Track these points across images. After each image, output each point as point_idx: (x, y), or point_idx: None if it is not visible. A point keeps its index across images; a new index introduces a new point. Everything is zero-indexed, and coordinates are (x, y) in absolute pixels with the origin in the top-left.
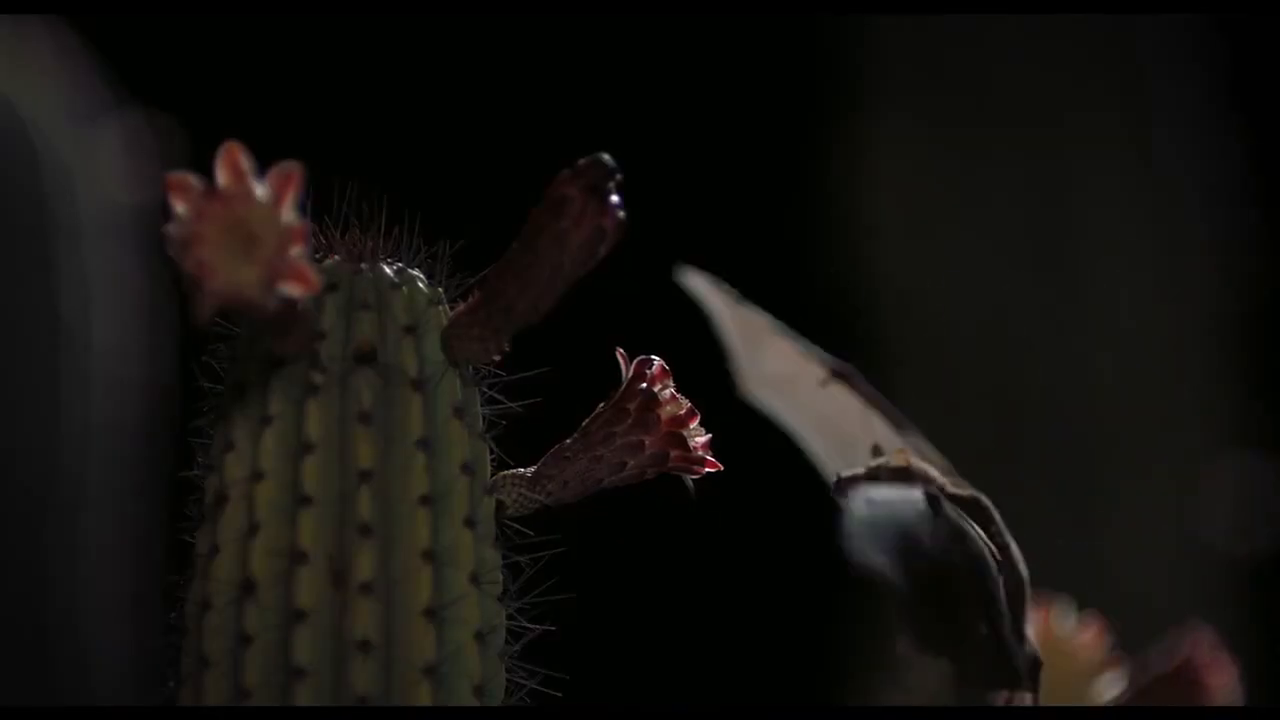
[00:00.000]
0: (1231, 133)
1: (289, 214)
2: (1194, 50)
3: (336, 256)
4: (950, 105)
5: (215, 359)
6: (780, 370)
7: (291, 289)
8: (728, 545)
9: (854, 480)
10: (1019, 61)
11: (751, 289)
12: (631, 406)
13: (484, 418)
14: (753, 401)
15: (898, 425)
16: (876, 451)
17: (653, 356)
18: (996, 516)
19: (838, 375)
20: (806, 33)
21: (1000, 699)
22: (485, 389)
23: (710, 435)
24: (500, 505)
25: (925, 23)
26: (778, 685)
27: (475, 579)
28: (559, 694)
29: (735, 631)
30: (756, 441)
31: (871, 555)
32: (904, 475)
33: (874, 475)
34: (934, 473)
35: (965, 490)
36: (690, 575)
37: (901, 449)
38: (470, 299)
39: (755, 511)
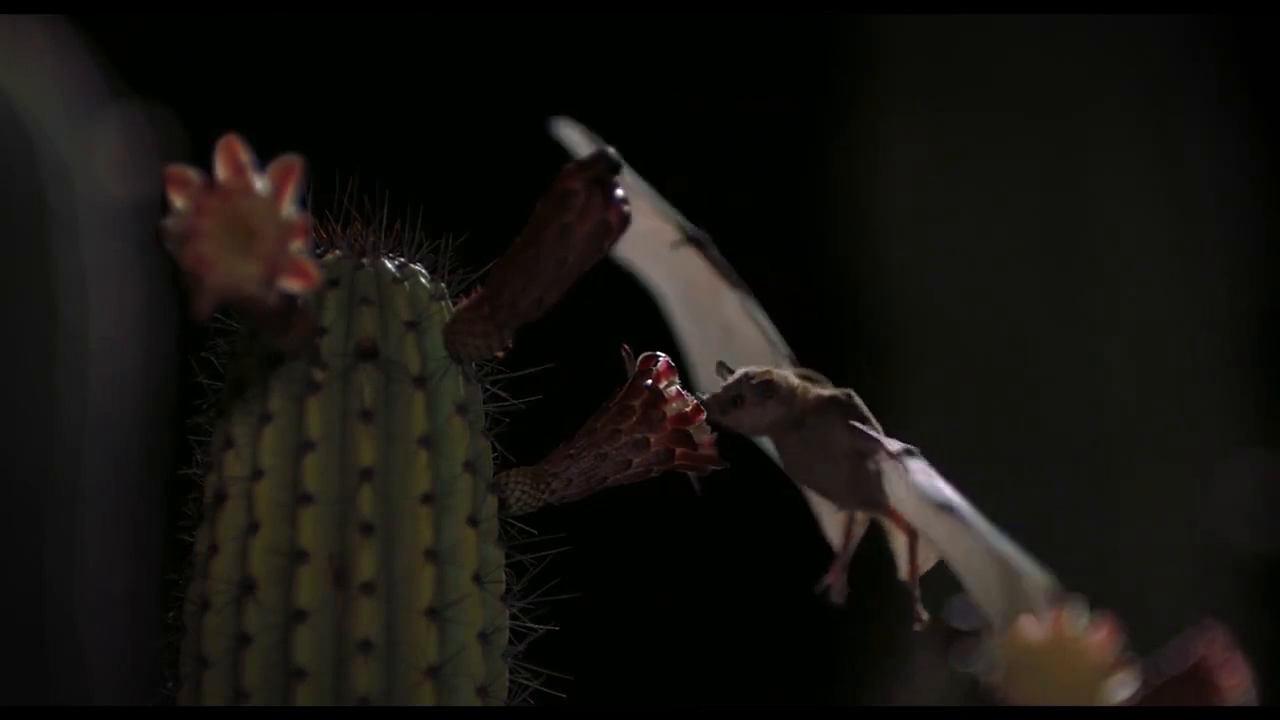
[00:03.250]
0: (1249, 128)
1: (289, 208)
2: (1211, 43)
3: (337, 251)
4: (962, 98)
5: (214, 355)
6: (642, 227)
7: (292, 284)
8: (733, 544)
9: (719, 399)
10: (1033, 54)
11: (761, 281)
12: (636, 404)
13: (487, 415)
14: (620, 261)
15: (744, 296)
16: (725, 331)
17: (658, 353)
18: (862, 408)
19: (692, 241)
20: (818, 24)
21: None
22: (488, 385)
23: (716, 433)
24: (503, 503)
25: (938, 15)
26: (782, 686)
27: (478, 578)
28: (563, 695)
29: (740, 631)
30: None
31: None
32: (767, 389)
33: (737, 392)
34: (794, 380)
35: (829, 390)
36: (696, 575)
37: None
38: (473, 294)
39: (761, 511)
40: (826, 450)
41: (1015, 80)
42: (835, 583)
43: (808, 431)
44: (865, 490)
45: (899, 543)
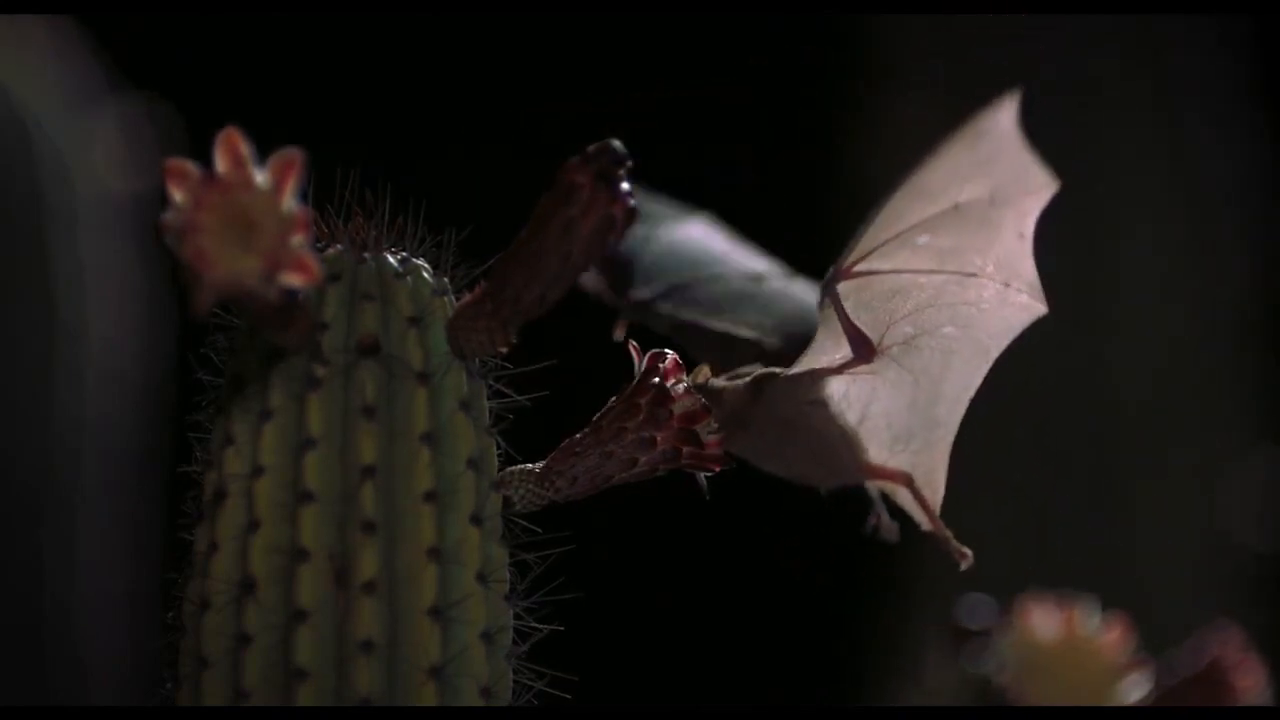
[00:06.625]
0: (1260, 125)
1: (290, 202)
2: (1223, 39)
3: (339, 245)
4: (963, 98)
5: (214, 351)
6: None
7: (292, 279)
8: (734, 544)
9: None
10: (1036, 54)
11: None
12: (643, 401)
13: (491, 412)
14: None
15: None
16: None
17: (666, 350)
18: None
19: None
20: (818, 24)
21: None
22: (492, 382)
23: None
24: (507, 502)
25: (938, 15)
26: (782, 686)
27: (482, 577)
28: (567, 696)
29: (741, 631)
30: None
31: None
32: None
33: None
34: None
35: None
36: (702, 574)
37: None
38: (476, 289)
39: (769, 510)
40: (785, 430)
41: (1017, 79)
42: (881, 522)
43: (759, 422)
44: (832, 461)
45: (902, 496)
